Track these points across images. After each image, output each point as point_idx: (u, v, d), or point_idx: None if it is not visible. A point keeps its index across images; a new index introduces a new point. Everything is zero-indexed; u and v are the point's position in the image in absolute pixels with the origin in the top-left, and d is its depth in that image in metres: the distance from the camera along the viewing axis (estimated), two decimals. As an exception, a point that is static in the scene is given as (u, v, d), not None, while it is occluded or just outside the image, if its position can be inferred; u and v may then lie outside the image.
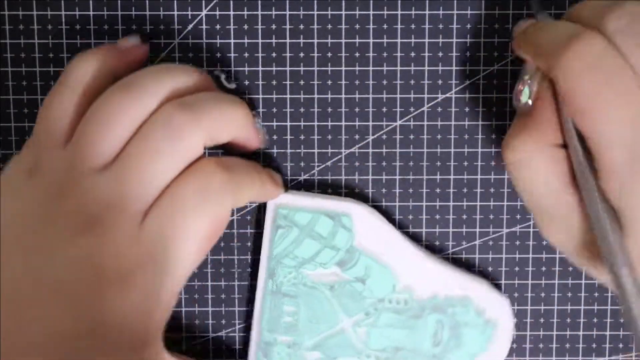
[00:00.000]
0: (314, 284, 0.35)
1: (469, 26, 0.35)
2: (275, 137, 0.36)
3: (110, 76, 0.32)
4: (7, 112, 0.35)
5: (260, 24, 0.35)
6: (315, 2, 0.35)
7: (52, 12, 0.35)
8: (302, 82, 0.35)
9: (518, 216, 0.36)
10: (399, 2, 0.35)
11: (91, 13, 0.35)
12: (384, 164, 0.36)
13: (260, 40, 0.35)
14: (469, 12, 0.35)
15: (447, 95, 0.35)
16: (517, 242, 0.36)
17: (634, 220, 0.27)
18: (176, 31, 0.35)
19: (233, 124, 0.32)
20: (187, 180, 0.30)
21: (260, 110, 0.35)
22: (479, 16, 0.35)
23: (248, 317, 0.36)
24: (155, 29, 0.35)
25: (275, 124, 0.35)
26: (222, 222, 0.31)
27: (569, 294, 0.36)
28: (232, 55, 0.35)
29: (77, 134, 0.30)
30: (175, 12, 0.35)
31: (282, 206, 0.34)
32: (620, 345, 0.37)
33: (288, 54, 0.35)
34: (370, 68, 0.35)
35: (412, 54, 0.35)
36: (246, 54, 0.35)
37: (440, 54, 0.35)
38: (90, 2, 0.35)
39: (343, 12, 0.35)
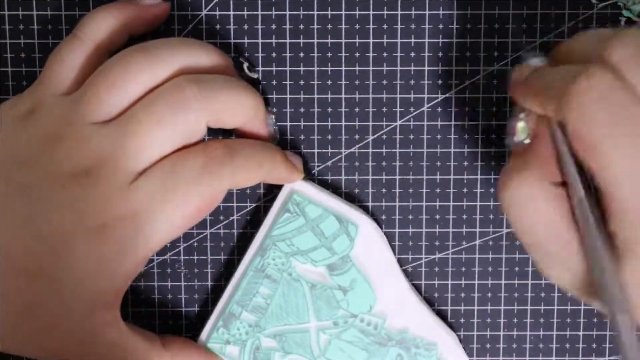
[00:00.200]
0: (298, 276, 0.35)
1: (468, 26, 0.35)
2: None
3: (125, 33, 0.33)
4: (7, 112, 0.35)
5: (260, 24, 0.35)
6: (315, 2, 0.35)
7: (52, 12, 0.35)
8: (302, 82, 0.35)
9: (518, 216, 0.36)
10: (399, 2, 0.35)
11: (91, 13, 0.35)
12: (384, 164, 0.36)
13: (260, 40, 0.35)
14: (469, 12, 0.35)
15: (447, 95, 0.35)
16: (517, 242, 0.36)
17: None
18: (176, 31, 0.35)
19: (240, 111, 0.32)
20: (189, 152, 0.31)
21: (260, 110, 0.35)
22: (479, 16, 0.35)
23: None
24: (155, 29, 0.35)
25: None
26: (215, 199, 0.31)
27: (569, 294, 0.36)
28: (232, 55, 0.35)
29: (85, 85, 0.31)
30: (176, 12, 0.35)
31: (298, 193, 0.34)
32: (620, 345, 0.37)
33: (288, 54, 0.35)
34: (370, 68, 0.35)
35: (412, 54, 0.35)
36: (246, 54, 0.35)
37: (440, 54, 0.35)
38: (90, 2, 0.35)
39: (343, 12, 0.35)
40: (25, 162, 0.30)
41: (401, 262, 0.36)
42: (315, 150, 0.36)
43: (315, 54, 0.35)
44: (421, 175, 0.36)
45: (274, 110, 0.35)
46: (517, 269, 0.36)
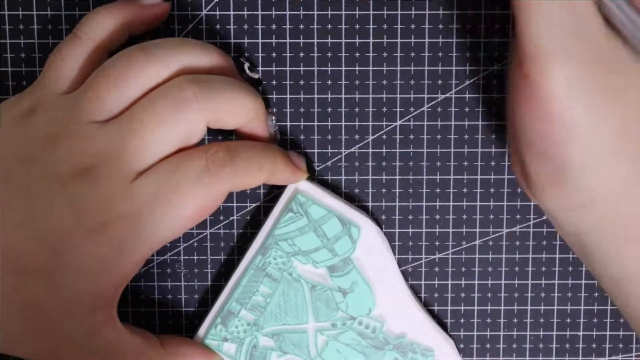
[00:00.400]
0: (299, 276, 0.35)
1: (469, 26, 0.35)
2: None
3: (125, 32, 0.33)
4: (7, 112, 0.35)
5: (260, 24, 0.35)
6: (315, 2, 0.35)
7: (52, 12, 0.35)
8: (302, 82, 0.35)
9: (518, 216, 0.36)
10: (399, 2, 0.35)
11: (91, 13, 0.35)
12: (384, 164, 0.36)
13: (260, 40, 0.35)
14: (469, 12, 0.35)
15: (447, 95, 0.35)
16: (517, 242, 0.36)
17: None
18: (176, 31, 0.35)
19: (241, 112, 0.32)
20: (190, 154, 0.31)
21: (260, 110, 0.35)
22: (479, 16, 0.35)
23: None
24: (155, 29, 0.35)
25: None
26: (215, 202, 0.31)
27: (569, 294, 0.36)
28: (232, 55, 0.35)
29: (85, 84, 0.31)
30: (176, 12, 0.35)
31: (302, 193, 0.34)
32: (620, 345, 0.37)
33: (288, 54, 0.35)
34: (370, 68, 0.35)
35: (412, 54, 0.35)
36: (246, 54, 0.35)
37: (440, 54, 0.35)
38: (90, 2, 0.35)
39: (343, 12, 0.35)
40: (25, 161, 0.30)
41: (401, 262, 0.36)
42: (315, 150, 0.36)
43: (315, 54, 0.35)
44: (421, 175, 0.36)
45: (274, 110, 0.35)
46: (517, 269, 0.36)
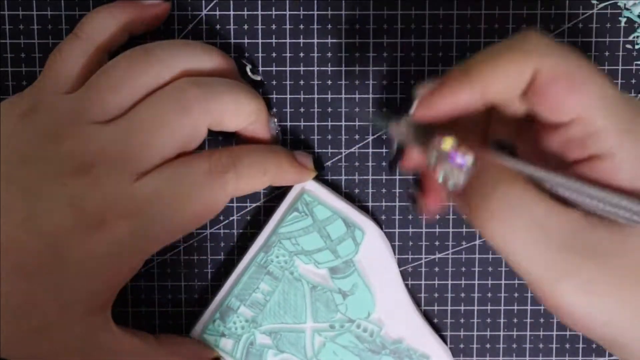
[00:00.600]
0: (300, 276, 0.35)
1: (469, 26, 0.35)
2: (275, 137, 0.36)
3: (125, 33, 0.33)
4: (7, 112, 0.35)
5: (260, 24, 0.35)
6: (315, 2, 0.35)
7: (52, 12, 0.35)
8: (302, 82, 0.35)
9: (518, 216, 0.36)
10: (399, 2, 0.35)
11: (91, 13, 0.35)
12: (384, 164, 0.36)
13: (260, 40, 0.35)
14: (469, 12, 0.35)
15: (447, 95, 0.35)
16: (517, 242, 0.36)
17: None
18: (176, 31, 0.35)
19: (242, 114, 0.32)
20: (193, 157, 0.31)
21: (260, 110, 0.35)
22: (479, 16, 0.35)
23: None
24: (155, 29, 0.35)
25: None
26: (216, 206, 0.31)
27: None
28: (233, 55, 0.35)
29: (87, 85, 0.31)
30: (176, 12, 0.35)
31: (309, 193, 0.35)
32: (620, 345, 0.37)
33: (288, 54, 0.35)
34: (370, 68, 0.35)
35: (412, 54, 0.35)
36: (246, 54, 0.35)
37: (440, 54, 0.35)
38: (90, 2, 0.35)
39: (343, 12, 0.35)
40: (25, 160, 0.30)
41: (401, 262, 0.36)
42: (315, 150, 0.36)
43: (315, 54, 0.35)
44: (421, 175, 0.36)
45: (274, 110, 0.35)
46: (517, 269, 0.36)
